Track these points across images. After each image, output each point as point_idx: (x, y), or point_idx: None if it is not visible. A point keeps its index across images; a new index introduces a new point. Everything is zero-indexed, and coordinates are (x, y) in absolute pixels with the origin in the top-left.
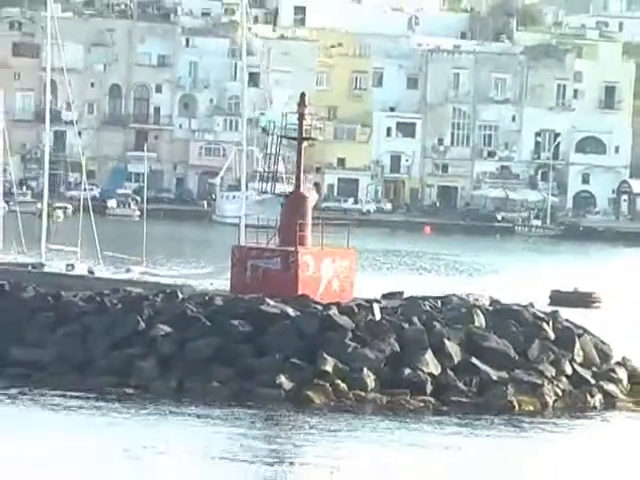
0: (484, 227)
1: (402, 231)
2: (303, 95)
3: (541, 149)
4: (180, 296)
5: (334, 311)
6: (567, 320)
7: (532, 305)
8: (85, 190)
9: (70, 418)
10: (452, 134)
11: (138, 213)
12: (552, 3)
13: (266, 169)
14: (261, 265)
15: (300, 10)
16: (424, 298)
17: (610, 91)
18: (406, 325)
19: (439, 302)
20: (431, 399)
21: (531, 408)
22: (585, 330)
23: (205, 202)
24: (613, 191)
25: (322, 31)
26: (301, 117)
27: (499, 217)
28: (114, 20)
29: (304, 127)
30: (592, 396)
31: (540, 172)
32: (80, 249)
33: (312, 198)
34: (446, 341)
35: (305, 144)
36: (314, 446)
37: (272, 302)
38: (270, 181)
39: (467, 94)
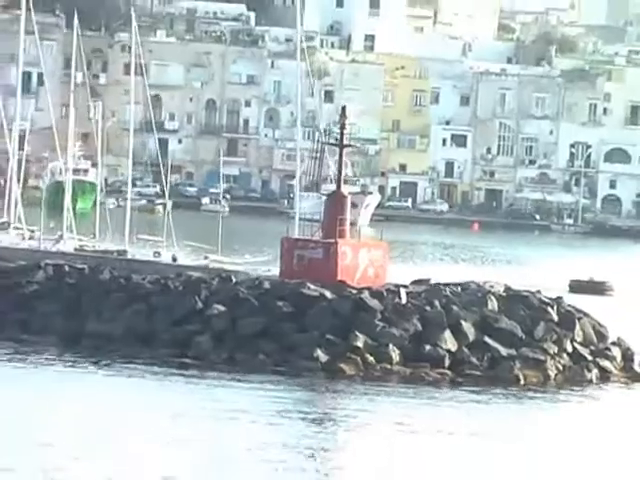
0: (525, 225)
1: (454, 227)
2: (344, 108)
3: (575, 158)
4: (233, 280)
5: (366, 294)
6: (569, 305)
7: (539, 292)
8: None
9: (135, 382)
10: (498, 145)
11: (227, 209)
12: (592, 34)
13: (315, 171)
14: (306, 254)
15: (370, 38)
16: (446, 284)
17: (635, 110)
18: (428, 307)
19: (459, 288)
20: (448, 372)
21: (535, 380)
22: (585, 314)
23: (285, 201)
24: (637, 195)
25: (388, 56)
26: (342, 127)
27: (537, 216)
28: (210, 44)
29: (344, 136)
30: (589, 371)
31: (574, 178)
32: (165, 239)
33: (376, 198)
34: (462, 322)
35: (345, 150)
36: (344, 408)
37: (312, 286)
38: (316, 182)
39: (511, 111)
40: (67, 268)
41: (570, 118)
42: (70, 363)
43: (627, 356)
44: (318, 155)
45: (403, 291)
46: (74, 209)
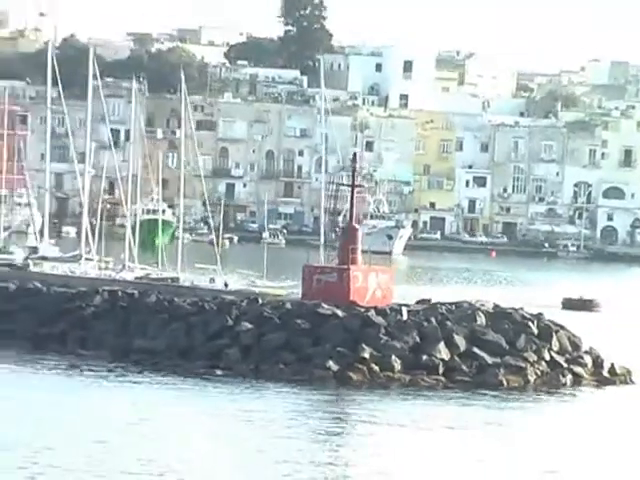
0: (535, 252)
1: (475, 254)
2: (355, 155)
3: (577, 196)
4: (260, 301)
5: (372, 313)
6: (548, 319)
7: (522, 309)
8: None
9: (174, 391)
10: (513, 185)
11: (284, 242)
12: (596, 92)
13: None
14: (323, 278)
15: (404, 97)
16: (442, 304)
17: (628, 154)
18: (425, 323)
19: (453, 306)
20: (442, 378)
21: (516, 385)
22: (562, 327)
23: (333, 234)
24: (630, 226)
25: (419, 111)
26: (354, 171)
27: (546, 245)
28: (269, 104)
29: (356, 178)
30: (564, 376)
31: (577, 212)
32: (219, 267)
33: (409, 231)
34: (455, 335)
35: (356, 190)
36: (353, 411)
37: (326, 306)
38: (334, 216)
39: (523, 156)
40: (120, 293)
41: (573, 162)
42: (119, 374)
43: (597, 363)
44: (333, 194)
45: (405, 309)
46: (154, 243)
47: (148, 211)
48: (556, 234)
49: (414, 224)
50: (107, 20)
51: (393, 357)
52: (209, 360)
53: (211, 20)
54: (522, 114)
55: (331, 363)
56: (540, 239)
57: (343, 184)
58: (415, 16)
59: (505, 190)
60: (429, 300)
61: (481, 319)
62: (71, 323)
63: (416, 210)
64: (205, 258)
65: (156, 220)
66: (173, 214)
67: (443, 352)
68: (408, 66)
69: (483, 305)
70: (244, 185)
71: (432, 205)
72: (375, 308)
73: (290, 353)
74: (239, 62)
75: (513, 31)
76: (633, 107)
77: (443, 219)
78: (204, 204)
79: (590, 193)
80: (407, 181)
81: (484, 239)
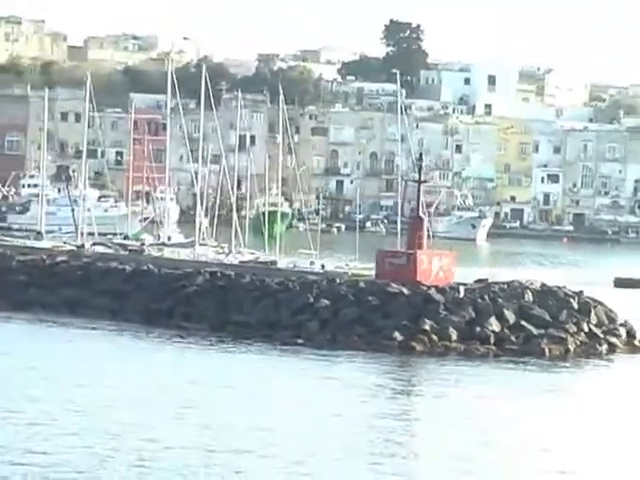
0: (601, 239)
1: (549, 242)
2: (421, 154)
3: (638, 190)
4: (337, 281)
5: (433, 291)
6: (588, 296)
7: (565, 287)
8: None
9: (262, 356)
10: (581, 181)
11: (384, 230)
12: None
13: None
14: (394, 261)
15: (488, 106)
16: (496, 283)
17: None
18: (480, 300)
19: (505, 285)
20: (493, 347)
21: (557, 353)
22: (600, 302)
23: (429, 222)
24: None
25: (501, 119)
26: (420, 168)
27: (610, 232)
28: (373, 113)
29: (422, 174)
30: (600, 345)
31: (637, 204)
32: (318, 252)
33: (490, 221)
34: (505, 310)
35: (423, 186)
36: (421, 374)
37: (394, 285)
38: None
39: (591, 157)
40: (219, 274)
41: (634, 160)
42: (217, 343)
43: (631, 334)
44: (403, 188)
45: (462, 288)
46: (272, 232)
47: (270, 204)
48: (619, 223)
49: (496, 215)
50: (240, 42)
51: (450, 329)
52: (293, 331)
53: (329, 41)
54: (590, 120)
55: (397, 334)
56: (604, 228)
57: (411, 180)
58: (499, 35)
59: (575, 185)
60: (486, 280)
61: (528, 296)
62: (176, 300)
63: (498, 203)
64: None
65: (275, 212)
66: (290, 207)
67: (494, 325)
68: (492, 80)
69: (532, 284)
70: (351, 182)
71: (512, 198)
72: (436, 287)
73: (362, 326)
74: (348, 77)
75: (589, 48)
76: None
77: (522, 210)
78: (317, 198)
79: None
80: (490, 178)
81: (558, 227)
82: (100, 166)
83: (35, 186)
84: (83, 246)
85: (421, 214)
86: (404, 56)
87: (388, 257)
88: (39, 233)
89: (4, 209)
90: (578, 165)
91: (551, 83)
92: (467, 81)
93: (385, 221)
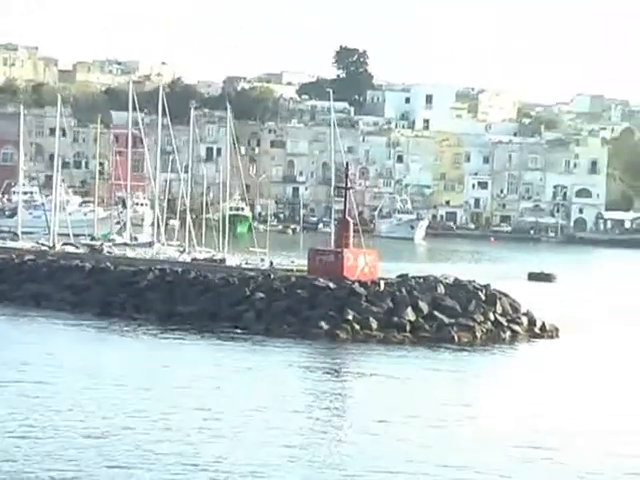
0: (524, 238)
1: (479, 241)
2: (347, 164)
3: (556, 195)
4: (272, 276)
5: (356, 285)
6: (494, 289)
7: (474, 281)
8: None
9: (203, 344)
10: (507, 187)
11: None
12: (579, 118)
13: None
14: (323, 259)
15: (426, 122)
16: (414, 277)
17: (594, 164)
18: (397, 292)
19: (421, 279)
20: (409, 335)
21: (466, 340)
22: (505, 294)
23: (373, 224)
24: (595, 218)
25: (438, 132)
26: (346, 176)
27: (532, 232)
28: (325, 128)
29: (348, 182)
30: (504, 333)
31: (555, 207)
32: (267, 251)
33: (426, 222)
34: (419, 301)
35: (349, 192)
36: (341, 359)
37: (322, 280)
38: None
39: (516, 166)
40: (168, 270)
41: (552, 170)
42: (163, 332)
43: (531, 322)
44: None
45: (382, 282)
46: (235, 232)
47: (232, 208)
48: (540, 224)
49: (433, 217)
50: (209, 65)
51: (371, 318)
52: (231, 322)
53: (289, 66)
54: (515, 134)
55: (323, 323)
56: (527, 228)
57: (340, 187)
58: (437, 59)
59: (502, 191)
60: (406, 275)
61: (441, 289)
62: (129, 294)
63: (434, 207)
64: (273, 243)
65: (237, 215)
66: (251, 210)
67: (410, 315)
68: (429, 99)
69: (446, 278)
70: (306, 188)
71: (447, 203)
72: (359, 281)
73: (292, 316)
74: (303, 97)
75: (521, 70)
76: (604, 129)
77: (455, 213)
78: (276, 202)
79: (565, 193)
80: (428, 185)
81: (497, 228)
82: (86, 176)
83: (24, 193)
84: (54, 246)
85: (347, 217)
86: (352, 78)
87: (319, 255)
88: (15, 234)
89: None
90: (504, 173)
91: (484, 102)
92: (407, 100)
93: (334, 222)
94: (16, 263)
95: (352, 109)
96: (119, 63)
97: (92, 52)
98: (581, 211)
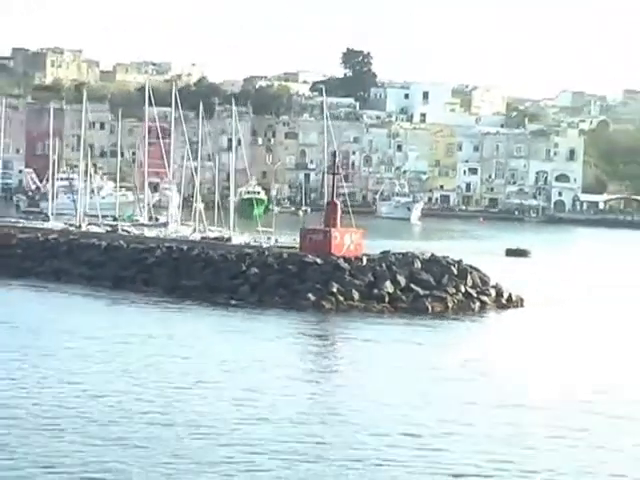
0: (510, 218)
1: (470, 221)
2: (334, 152)
3: (538, 180)
4: (266, 253)
5: (341, 261)
6: (467, 264)
7: (447, 257)
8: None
9: (206, 314)
10: (495, 173)
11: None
12: (562, 112)
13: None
14: (313, 237)
15: (423, 115)
16: (394, 254)
17: (572, 152)
18: (378, 267)
19: (401, 255)
20: (387, 305)
21: (439, 310)
22: (475, 269)
23: (375, 206)
24: (572, 200)
25: (433, 125)
26: (333, 162)
27: (517, 213)
28: (333, 121)
29: (336, 166)
30: (474, 303)
31: (538, 191)
32: (274, 230)
33: (421, 204)
34: (398, 275)
35: (336, 176)
36: (328, 326)
37: (310, 256)
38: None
39: (502, 154)
40: (174, 248)
41: (535, 157)
42: (168, 303)
43: (499, 294)
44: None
45: (364, 257)
46: (252, 214)
47: (248, 192)
48: (523, 205)
49: (429, 200)
50: (232, 65)
51: (353, 290)
52: (229, 294)
53: (305, 65)
54: (502, 126)
55: (310, 295)
56: (513, 209)
57: (328, 172)
58: (434, 59)
59: (490, 176)
60: (388, 251)
61: (417, 264)
62: (139, 269)
63: (430, 190)
64: (286, 223)
65: (253, 198)
66: (266, 194)
67: (389, 287)
68: (426, 95)
69: (423, 254)
70: (316, 174)
71: (441, 187)
72: (344, 257)
73: (283, 289)
74: (314, 93)
75: (509, 68)
76: (583, 121)
77: (448, 196)
78: (289, 187)
79: (546, 178)
80: (424, 171)
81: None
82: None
83: (65, 179)
84: (80, 226)
85: (335, 199)
86: (358, 77)
87: (309, 234)
88: (46, 215)
89: (38, 198)
90: (492, 161)
91: (477, 97)
92: (407, 96)
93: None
94: (40, 241)
95: (357, 104)
96: (154, 64)
97: (130, 54)
98: (560, 194)
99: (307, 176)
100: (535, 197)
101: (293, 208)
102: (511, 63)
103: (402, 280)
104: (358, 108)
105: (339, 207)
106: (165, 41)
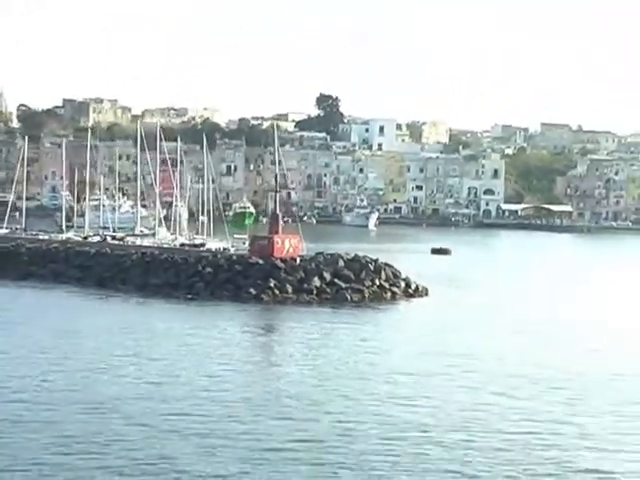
0: (448, 224)
1: (416, 227)
2: (276, 176)
3: (469, 194)
4: (219, 255)
5: (278, 261)
6: (383, 262)
7: (366, 256)
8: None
9: (164, 308)
10: (436, 188)
11: (315, 221)
12: (495, 142)
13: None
14: (260, 242)
15: (379, 145)
16: (324, 254)
17: (495, 171)
18: (307, 265)
19: (329, 255)
20: (315, 297)
21: (357, 299)
22: (389, 265)
23: (341, 217)
24: (496, 209)
25: (387, 152)
26: (276, 182)
27: (453, 220)
28: (309, 150)
29: (278, 185)
30: (386, 294)
31: (469, 202)
32: (248, 236)
33: (376, 214)
34: (324, 272)
35: (277, 194)
36: (267, 318)
37: (254, 258)
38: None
39: (442, 174)
40: (147, 253)
41: (467, 175)
42: (139, 298)
43: (408, 285)
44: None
45: (298, 258)
46: (244, 224)
47: (241, 207)
48: (458, 214)
49: (385, 210)
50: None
51: (287, 285)
52: (186, 290)
53: (292, 108)
54: (441, 152)
55: (252, 290)
56: (449, 217)
57: (272, 190)
58: (389, 100)
59: (433, 191)
60: (322, 252)
61: (341, 262)
62: (118, 270)
63: (386, 203)
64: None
65: (245, 212)
66: (255, 209)
67: (316, 282)
68: (382, 129)
69: (347, 254)
70: (296, 193)
71: (394, 200)
72: (281, 259)
73: (231, 285)
74: (295, 128)
75: (452, 105)
76: (509, 147)
77: (400, 207)
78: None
79: (476, 192)
80: (380, 188)
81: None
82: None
83: (95, 200)
84: (87, 237)
85: (277, 212)
86: (328, 115)
87: (256, 240)
88: (61, 228)
89: (70, 215)
90: (434, 179)
91: (426, 130)
92: (367, 130)
93: (317, 215)
94: (44, 250)
95: (328, 137)
96: (175, 109)
97: (156, 101)
98: (487, 204)
99: (289, 194)
100: (467, 207)
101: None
102: (454, 101)
103: (327, 276)
104: (329, 140)
105: (280, 218)
106: (183, 87)
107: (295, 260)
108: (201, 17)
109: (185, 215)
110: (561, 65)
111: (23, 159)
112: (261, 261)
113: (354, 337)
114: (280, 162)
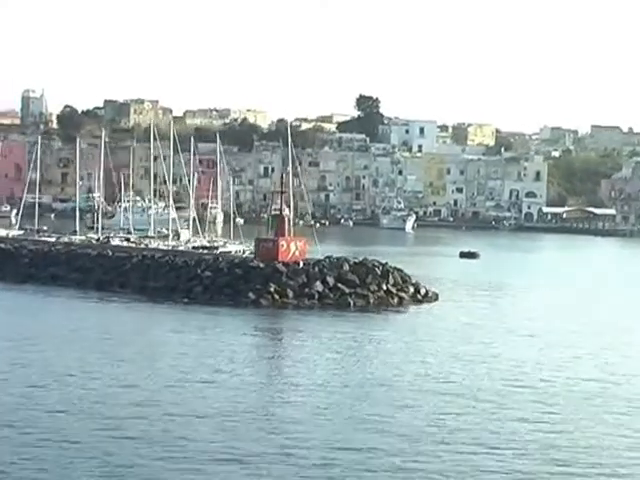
0: (489, 227)
1: (456, 230)
2: (282, 176)
3: (511, 196)
4: (220, 259)
5: (280, 265)
6: (391, 266)
7: (374, 260)
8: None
9: (154, 312)
10: (477, 191)
11: (352, 224)
12: (543, 144)
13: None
14: (265, 245)
15: (420, 146)
16: (327, 258)
17: (537, 174)
18: (310, 269)
19: (335, 259)
20: (317, 302)
21: (361, 305)
22: (398, 269)
23: (378, 219)
24: (538, 212)
25: (427, 154)
26: (282, 183)
27: (494, 223)
28: (347, 152)
29: (284, 187)
30: (392, 299)
31: (511, 205)
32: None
33: (413, 217)
34: (327, 276)
35: (283, 195)
36: (264, 321)
37: (255, 261)
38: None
39: (483, 176)
40: (148, 255)
41: (509, 178)
42: (135, 301)
43: (417, 290)
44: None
45: (302, 262)
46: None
47: (276, 209)
48: (499, 217)
49: (424, 213)
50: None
51: (288, 290)
52: (185, 293)
53: (336, 110)
54: (483, 154)
55: (251, 294)
56: (490, 220)
57: (276, 191)
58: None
59: (473, 194)
60: (330, 256)
61: (346, 267)
62: (117, 273)
63: (425, 206)
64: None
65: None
66: (289, 211)
67: (319, 286)
68: (422, 130)
69: (355, 258)
70: (334, 194)
71: (434, 203)
72: (283, 262)
73: (230, 289)
74: (334, 129)
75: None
76: (556, 150)
77: (440, 210)
78: (313, 205)
79: (518, 194)
80: (420, 191)
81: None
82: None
83: (128, 201)
84: (99, 239)
85: (283, 214)
86: (368, 117)
87: (262, 242)
88: (75, 230)
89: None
90: (475, 182)
91: (472, 132)
92: (407, 131)
93: (353, 218)
94: (44, 252)
95: (368, 139)
96: (217, 110)
97: (198, 102)
98: (529, 207)
99: (327, 196)
100: (509, 210)
101: (312, 222)
102: (503, 103)
103: (331, 280)
104: (368, 142)
105: (286, 220)
106: (227, 89)
107: (298, 264)
108: (246, 18)
109: (220, 217)
110: (614, 66)
111: (59, 160)
112: (262, 265)
113: (325, 347)
114: (293, 162)
